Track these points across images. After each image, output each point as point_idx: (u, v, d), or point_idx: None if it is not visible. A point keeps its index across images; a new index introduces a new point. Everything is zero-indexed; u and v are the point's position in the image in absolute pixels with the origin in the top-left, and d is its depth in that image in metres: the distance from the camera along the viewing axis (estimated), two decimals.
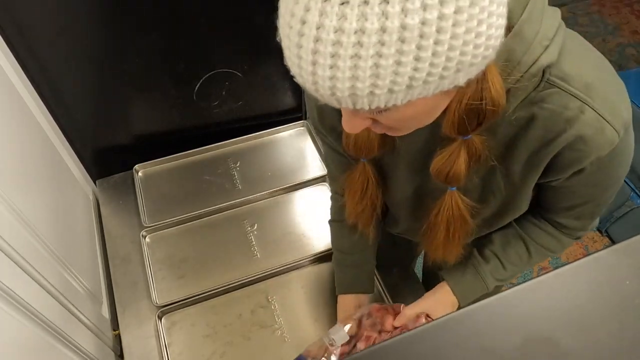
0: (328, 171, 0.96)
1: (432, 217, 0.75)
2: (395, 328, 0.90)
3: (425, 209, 0.77)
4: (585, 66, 0.62)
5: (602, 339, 0.46)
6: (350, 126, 0.58)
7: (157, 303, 1.06)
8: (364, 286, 1.01)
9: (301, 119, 1.45)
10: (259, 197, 1.25)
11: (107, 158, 1.33)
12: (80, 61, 1.11)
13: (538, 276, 0.50)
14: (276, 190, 1.27)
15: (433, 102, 0.55)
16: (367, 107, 0.48)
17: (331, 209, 1.01)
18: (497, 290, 0.99)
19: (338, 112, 0.59)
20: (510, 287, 0.50)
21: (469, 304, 0.78)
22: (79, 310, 0.94)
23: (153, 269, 1.13)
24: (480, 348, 0.46)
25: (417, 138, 0.71)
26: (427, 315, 0.90)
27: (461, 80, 0.49)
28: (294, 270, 1.14)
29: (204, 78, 1.25)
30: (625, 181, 2.02)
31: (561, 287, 0.50)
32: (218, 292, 1.09)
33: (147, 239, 1.19)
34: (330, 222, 1.01)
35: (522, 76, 0.59)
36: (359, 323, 0.93)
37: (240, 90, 1.32)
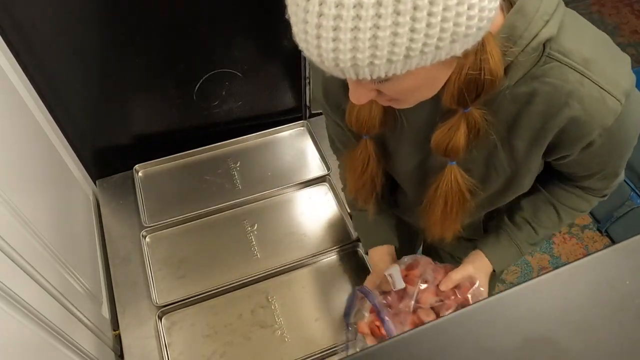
0: (331, 144, 0.98)
1: (431, 191, 0.76)
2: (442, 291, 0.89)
3: (430, 184, 0.78)
4: (583, 41, 0.63)
5: (602, 339, 0.46)
6: (356, 97, 0.61)
7: (157, 303, 1.06)
8: (390, 238, 1.02)
9: (301, 119, 1.45)
10: (259, 197, 1.25)
11: (107, 158, 1.33)
12: (80, 61, 1.11)
13: (538, 276, 0.50)
14: (276, 190, 1.27)
15: (432, 73, 0.58)
16: (368, 77, 0.51)
17: (340, 176, 1.04)
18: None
19: (343, 90, 0.63)
20: (510, 287, 0.50)
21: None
22: (79, 310, 0.94)
23: (153, 269, 1.13)
24: (481, 348, 0.46)
25: (419, 114, 0.73)
26: (472, 282, 0.90)
27: (457, 50, 0.51)
28: (294, 270, 1.14)
29: (204, 78, 1.25)
30: (625, 181, 2.02)
31: (561, 287, 0.50)
32: (218, 292, 1.09)
33: (147, 239, 1.19)
34: (343, 189, 1.03)
35: (523, 50, 0.60)
36: (410, 274, 0.92)
37: (240, 90, 1.32)
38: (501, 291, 0.50)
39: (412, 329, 0.69)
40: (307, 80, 1.37)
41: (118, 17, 1.06)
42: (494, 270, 0.93)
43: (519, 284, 0.50)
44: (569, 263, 0.51)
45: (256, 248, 1.18)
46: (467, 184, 0.73)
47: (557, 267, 0.51)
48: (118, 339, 1.08)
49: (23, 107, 1.02)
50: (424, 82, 0.59)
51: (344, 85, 0.61)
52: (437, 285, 0.89)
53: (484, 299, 0.70)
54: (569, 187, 0.85)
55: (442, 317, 0.86)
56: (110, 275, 1.14)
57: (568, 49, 0.61)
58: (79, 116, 1.21)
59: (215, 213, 1.23)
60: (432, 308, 0.88)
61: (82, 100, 1.19)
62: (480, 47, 0.56)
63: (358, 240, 1.16)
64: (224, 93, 1.31)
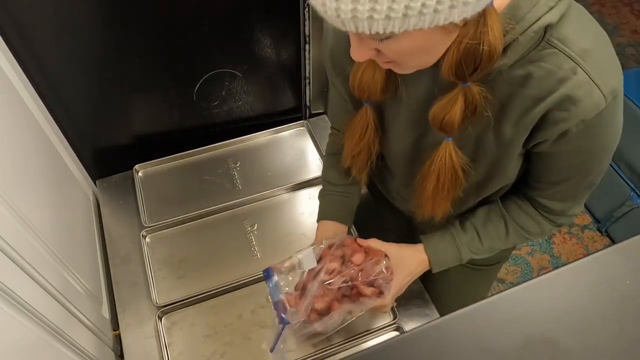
0: (330, 109, 1.01)
1: (425, 167, 0.78)
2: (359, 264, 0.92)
3: (421, 164, 0.80)
4: (584, 33, 0.65)
5: (602, 339, 0.46)
6: (356, 54, 0.64)
7: (157, 303, 1.06)
8: (343, 216, 1.05)
9: (301, 119, 1.45)
10: (259, 197, 1.25)
11: (107, 158, 1.33)
12: (80, 61, 1.11)
13: (538, 276, 0.50)
14: (276, 190, 1.27)
15: (431, 39, 0.59)
16: (367, 31, 0.53)
17: (328, 144, 1.07)
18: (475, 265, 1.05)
19: (349, 55, 0.66)
20: (510, 287, 0.50)
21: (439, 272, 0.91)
22: (79, 311, 0.94)
23: (153, 269, 1.13)
24: (481, 348, 0.46)
25: (419, 86, 0.75)
26: (387, 257, 0.92)
27: (456, 17, 0.53)
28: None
29: (204, 78, 1.25)
30: (625, 181, 2.02)
31: (561, 287, 0.50)
32: (218, 292, 1.09)
33: (147, 239, 1.19)
34: (325, 155, 1.06)
35: (524, 32, 0.62)
36: (328, 252, 0.94)
37: (240, 90, 1.32)
38: (501, 291, 0.50)
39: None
40: (307, 80, 1.37)
41: (118, 17, 1.06)
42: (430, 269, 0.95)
43: (519, 284, 0.50)
44: (569, 263, 0.51)
45: (256, 248, 1.18)
46: (461, 161, 0.75)
47: (557, 267, 0.51)
48: (118, 339, 1.08)
49: (23, 107, 1.02)
50: (422, 47, 0.61)
51: (349, 50, 0.65)
52: (354, 258, 0.92)
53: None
54: (525, 205, 0.87)
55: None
56: (110, 275, 1.14)
57: (568, 38, 0.63)
58: (79, 116, 1.21)
59: (215, 213, 1.23)
60: (340, 288, 0.90)
61: (82, 100, 1.19)
62: (482, 20, 0.58)
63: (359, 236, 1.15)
64: (224, 93, 1.31)
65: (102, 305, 1.13)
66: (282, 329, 0.90)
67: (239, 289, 1.10)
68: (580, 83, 0.64)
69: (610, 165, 2.06)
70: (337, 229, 1.03)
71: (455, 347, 0.46)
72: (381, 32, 0.53)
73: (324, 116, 1.48)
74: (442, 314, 1.04)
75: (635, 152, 1.95)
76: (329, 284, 0.89)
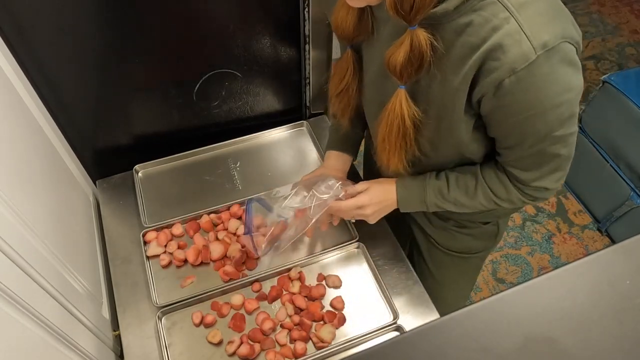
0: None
1: (378, 119, 0.83)
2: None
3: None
4: None
5: (602, 339, 0.46)
6: None
7: (157, 303, 1.06)
8: (347, 147, 1.15)
9: (301, 119, 1.45)
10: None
11: (107, 158, 1.33)
12: (80, 61, 1.11)
13: (538, 276, 0.50)
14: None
15: None
16: None
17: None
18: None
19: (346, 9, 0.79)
20: (510, 287, 0.50)
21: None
22: (79, 311, 0.94)
23: (153, 269, 1.13)
24: (481, 348, 0.46)
25: (385, 29, 0.82)
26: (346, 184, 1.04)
27: None
28: (293, 270, 1.14)
29: (204, 78, 1.25)
30: (625, 181, 2.02)
31: (561, 287, 0.50)
32: (218, 292, 1.08)
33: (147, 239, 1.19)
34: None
35: None
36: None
37: (240, 90, 1.32)
38: (501, 291, 0.50)
39: None
40: (307, 80, 1.37)
41: (118, 17, 1.06)
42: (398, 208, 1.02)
43: (519, 283, 0.50)
44: (569, 263, 0.51)
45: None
46: (410, 110, 0.79)
47: (557, 267, 0.51)
48: (118, 339, 1.08)
49: (23, 107, 1.02)
50: None
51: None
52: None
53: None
54: (498, 170, 0.90)
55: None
56: (110, 275, 1.14)
57: None
58: (79, 116, 1.21)
59: (215, 213, 1.23)
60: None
61: (82, 101, 1.19)
62: None
63: (359, 239, 1.16)
64: (224, 93, 1.31)
65: (102, 305, 1.13)
66: (251, 238, 1.05)
67: (239, 289, 1.10)
68: (511, 32, 0.67)
69: (611, 165, 2.06)
70: (341, 159, 1.14)
71: (456, 347, 0.46)
72: None
73: (324, 116, 1.48)
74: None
75: (635, 152, 1.95)
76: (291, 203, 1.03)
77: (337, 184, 1.02)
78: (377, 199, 1.00)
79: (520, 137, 0.78)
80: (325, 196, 1.00)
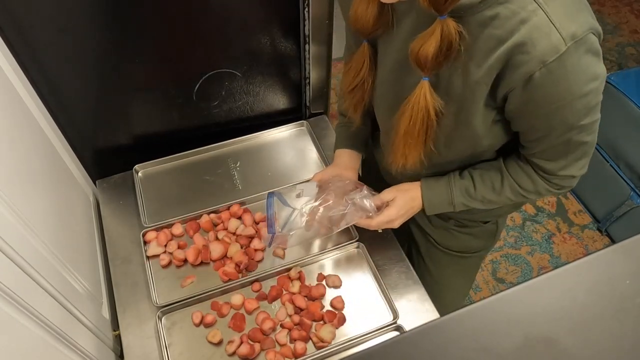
0: (345, 50, 1.09)
1: (401, 107, 0.82)
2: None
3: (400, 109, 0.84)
4: None
5: (602, 339, 0.46)
6: None
7: (157, 303, 1.06)
8: (356, 145, 1.14)
9: (301, 119, 1.45)
10: (259, 197, 1.25)
11: (107, 158, 1.33)
12: (80, 61, 1.11)
13: (538, 275, 0.50)
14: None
15: None
16: None
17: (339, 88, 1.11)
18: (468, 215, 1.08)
19: None
20: (510, 287, 0.50)
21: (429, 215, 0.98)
22: (79, 311, 0.94)
23: (153, 269, 1.13)
24: (481, 347, 0.46)
25: (406, 21, 0.80)
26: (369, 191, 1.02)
27: None
28: (293, 270, 1.14)
29: (203, 78, 1.25)
30: (625, 180, 2.02)
31: (561, 287, 0.50)
32: (218, 292, 1.08)
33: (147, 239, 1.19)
34: (340, 90, 1.12)
35: None
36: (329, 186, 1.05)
37: (240, 90, 1.32)
38: (501, 291, 0.50)
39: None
40: (307, 80, 1.37)
41: (118, 17, 1.06)
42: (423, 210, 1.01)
43: (519, 283, 0.50)
44: (569, 263, 0.51)
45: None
46: (435, 102, 0.78)
47: (557, 267, 0.51)
48: (118, 339, 1.08)
49: (23, 107, 1.02)
50: None
51: None
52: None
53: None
54: (522, 163, 0.90)
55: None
56: (110, 275, 1.14)
57: None
58: (79, 116, 1.21)
59: (215, 213, 1.23)
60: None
61: (82, 101, 1.19)
62: None
63: (359, 239, 1.16)
64: (223, 93, 1.31)
65: (102, 305, 1.13)
66: (272, 238, 1.04)
67: (239, 289, 1.10)
68: (540, 24, 0.67)
69: (611, 165, 2.06)
70: (353, 157, 1.13)
71: (455, 347, 0.46)
72: None
73: (324, 116, 1.48)
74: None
75: (635, 152, 1.95)
76: (316, 208, 1.01)
77: (371, 203, 0.99)
78: (404, 209, 0.99)
79: (548, 128, 0.79)
80: (359, 215, 0.99)
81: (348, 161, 1.12)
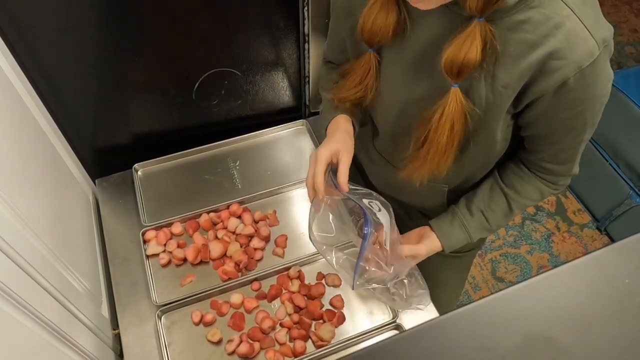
0: (328, 45, 1.05)
1: (433, 121, 0.77)
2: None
3: (410, 116, 0.82)
4: None
5: (601, 337, 0.47)
6: None
7: (157, 302, 1.06)
8: (354, 117, 0.98)
9: (301, 118, 1.45)
10: (259, 196, 1.25)
11: (106, 157, 1.33)
12: (80, 61, 1.11)
13: (538, 275, 0.50)
14: (276, 189, 1.27)
15: None
16: None
17: (322, 76, 1.10)
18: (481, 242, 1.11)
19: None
20: (509, 286, 0.50)
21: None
22: (78, 310, 0.94)
23: (153, 269, 1.13)
24: (480, 346, 0.46)
25: (427, 26, 0.76)
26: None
27: None
28: (293, 269, 1.14)
29: (203, 77, 1.25)
30: (624, 180, 2.02)
31: (561, 286, 0.50)
32: (218, 291, 1.09)
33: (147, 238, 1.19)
34: (320, 89, 1.06)
35: None
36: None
37: (239, 89, 1.32)
38: (501, 290, 0.50)
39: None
40: (307, 79, 1.37)
41: (118, 16, 1.06)
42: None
43: (518, 282, 0.50)
44: (568, 262, 0.51)
45: None
46: (469, 107, 0.76)
47: (556, 266, 0.51)
48: (118, 338, 1.08)
49: (22, 107, 1.02)
50: None
51: None
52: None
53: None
54: (524, 173, 0.89)
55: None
56: (109, 274, 1.14)
57: None
58: (78, 115, 1.21)
59: (214, 212, 1.23)
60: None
61: (81, 100, 1.19)
62: None
63: None
64: (223, 92, 1.31)
65: (102, 304, 1.13)
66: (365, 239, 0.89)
67: (239, 288, 1.10)
68: (575, 30, 0.66)
69: (610, 164, 2.07)
70: (349, 123, 0.97)
71: (455, 346, 0.46)
72: None
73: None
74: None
75: (635, 152, 1.95)
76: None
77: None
78: (425, 256, 0.99)
79: (566, 131, 0.78)
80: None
81: (346, 125, 0.97)
